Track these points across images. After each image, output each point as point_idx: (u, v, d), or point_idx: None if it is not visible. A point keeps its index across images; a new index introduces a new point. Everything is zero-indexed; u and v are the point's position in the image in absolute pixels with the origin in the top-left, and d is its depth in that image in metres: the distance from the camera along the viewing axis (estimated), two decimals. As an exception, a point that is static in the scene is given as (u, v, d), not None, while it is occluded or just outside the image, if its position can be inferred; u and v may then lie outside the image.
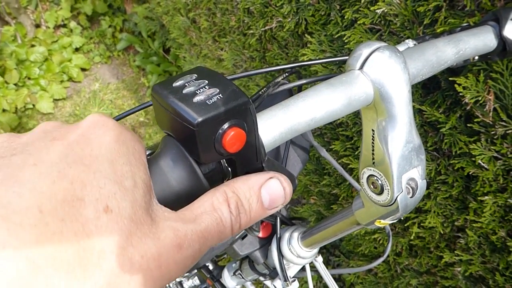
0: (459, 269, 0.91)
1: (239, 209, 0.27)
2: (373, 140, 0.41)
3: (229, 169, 0.30)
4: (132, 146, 0.25)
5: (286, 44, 1.15)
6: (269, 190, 0.29)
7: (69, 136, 0.24)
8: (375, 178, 0.42)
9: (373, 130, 0.41)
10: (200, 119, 0.26)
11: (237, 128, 0.28)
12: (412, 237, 0.97)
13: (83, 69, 2.75)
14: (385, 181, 0.41)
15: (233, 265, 0.96)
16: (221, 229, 0.26)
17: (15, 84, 2.52)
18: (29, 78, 2.58)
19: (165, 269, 0.23)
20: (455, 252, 0.89)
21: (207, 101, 0.27)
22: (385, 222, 0.47)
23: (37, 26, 2.85)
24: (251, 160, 0.30)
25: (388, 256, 1.09)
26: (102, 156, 0.23)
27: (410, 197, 0.42)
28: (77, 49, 2.80)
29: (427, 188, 0.86)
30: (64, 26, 2.89)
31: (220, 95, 0.27)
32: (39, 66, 2.61)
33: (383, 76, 0.38)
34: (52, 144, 0.23)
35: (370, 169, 0.42)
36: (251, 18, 1.20)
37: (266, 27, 1.14)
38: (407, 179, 0.42)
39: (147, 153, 0.32)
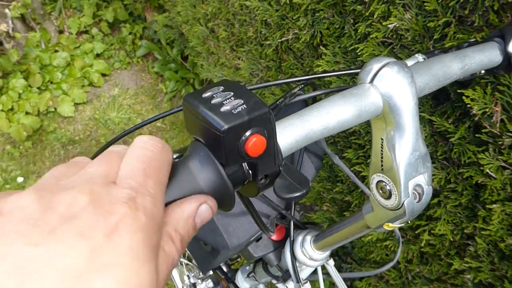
0: (468, 276, 0.93)
1: (181, 243, 0.30)
2: (382, 148, 0.44)
3: (250, 171, 0.34)
4: (156, 243, 0.26)
5: (302, 55, 1.18)
6: (201, 216, 0.31)
7: (96, 234, 0.23)
8: (384, 183, 0.45)
9: (382, 139, 0.44)
10: (226, 127, 0.30)
11: (258, 135, 0.31)
12: (422, 244, 0.99)
13: (103, 74, 2.82)
14: (393, 187, 0.44)
15: (247, 267, 0.99)
16: (174, 264, 0.29)
17: (38, 88, 2.60)
18: (51, 82, 2.66)
19: None
20: (465, 259, 0.91)
21: (232, 111, 0.31)
22: (394, 226, 0.50)
23: (61, 32, 2.94)
24: (270, 163, 0.34)
25: (399, 262, 1.11)
26: (124, 266, 0.23)
27: (417, 202, 0.45)
28: (98, 55, 2.88)
29: (437, 196, 0.89)
30: (86, 32, 2.97)
31: (244, 105, 0.31)
32: (61, 71, 2.69)
33: (391, 90, 0.41)
34: (78, 242, 0.22)
35: (379, 175, 0.45)
36: (268, 30, 1.24)
37: (283, 39, 1.18)
38: (413, 185, 0.45)
39: (174, 156, 0.36)
